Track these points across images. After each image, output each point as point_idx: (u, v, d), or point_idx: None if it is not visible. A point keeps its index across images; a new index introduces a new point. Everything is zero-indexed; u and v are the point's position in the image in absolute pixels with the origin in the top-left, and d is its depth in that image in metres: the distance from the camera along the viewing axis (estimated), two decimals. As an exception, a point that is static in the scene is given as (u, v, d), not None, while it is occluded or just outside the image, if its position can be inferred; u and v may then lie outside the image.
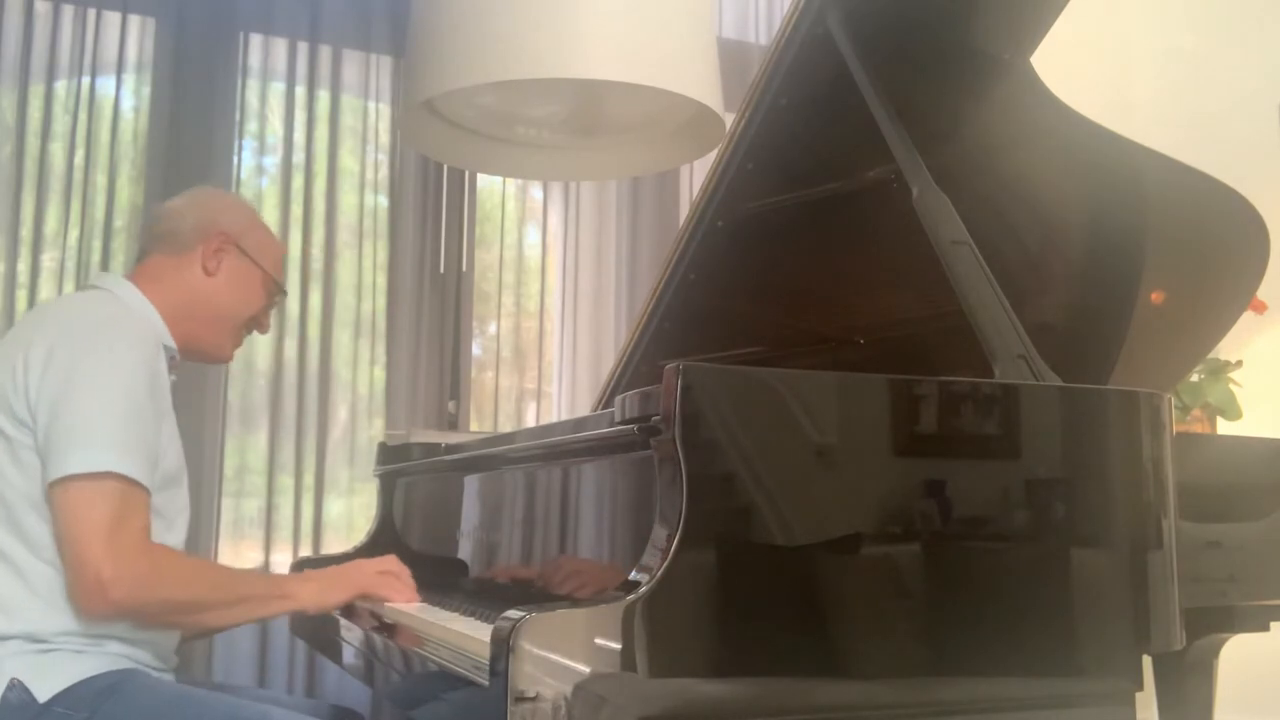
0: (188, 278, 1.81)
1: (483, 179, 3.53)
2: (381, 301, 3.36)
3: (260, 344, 3.23)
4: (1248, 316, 2.35)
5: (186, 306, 1.79)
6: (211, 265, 1.82)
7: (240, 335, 1.90)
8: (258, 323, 1.91)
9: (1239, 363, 3.32)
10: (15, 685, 1.48)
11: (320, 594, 1.70)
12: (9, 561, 1.56)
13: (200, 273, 1.81)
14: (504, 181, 3.59)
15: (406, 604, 1.73)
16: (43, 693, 1.49)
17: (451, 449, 2.18)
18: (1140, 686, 1.46)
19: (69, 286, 3.00)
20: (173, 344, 1.77)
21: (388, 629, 1.67)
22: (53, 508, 1.53)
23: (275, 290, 1.92)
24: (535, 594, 1.66)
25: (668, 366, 1.29)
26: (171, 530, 1.68)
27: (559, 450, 1.69)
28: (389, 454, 2.38)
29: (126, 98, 3.20)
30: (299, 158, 3.31)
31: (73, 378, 1.56)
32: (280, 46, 3.33)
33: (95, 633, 1.55)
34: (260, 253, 1.88)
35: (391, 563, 1.81)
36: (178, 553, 1.72)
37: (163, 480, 1.63)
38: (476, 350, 3.57)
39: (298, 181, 3.30)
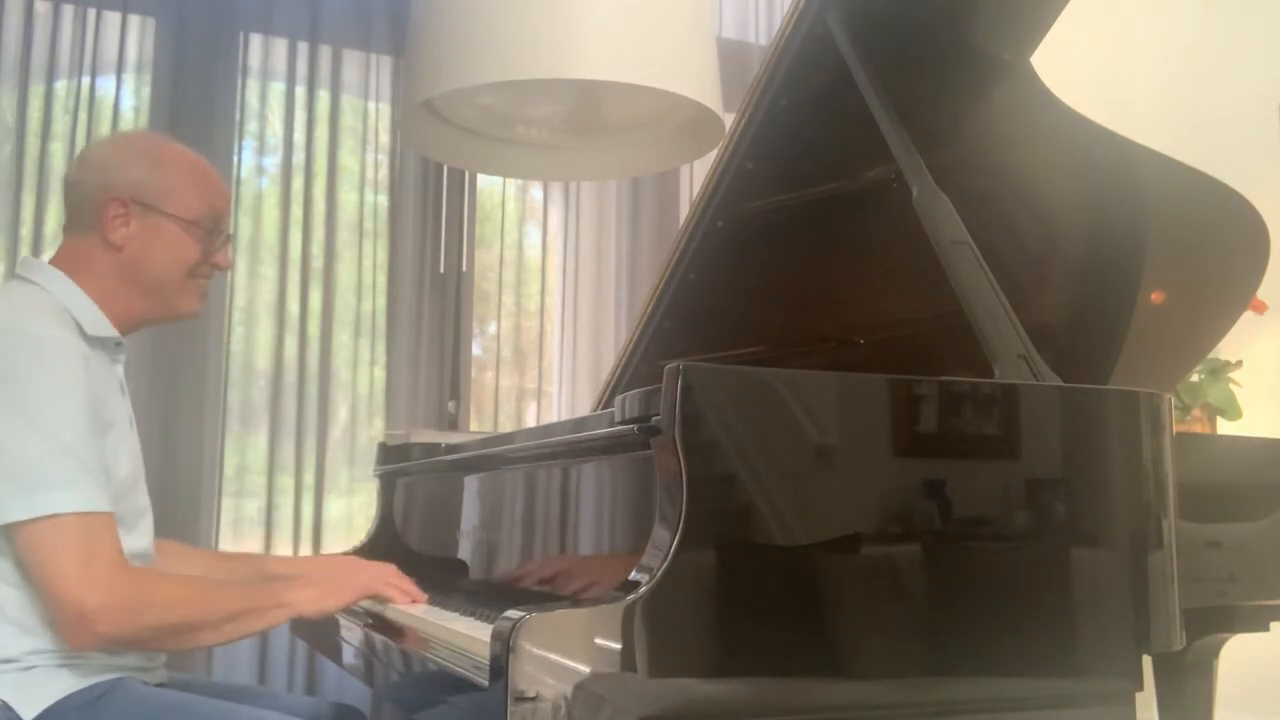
0: (100, 256, 1.63)
1: (483, 179, 3.53)
2: (381, 301, 3.36)
3: (260, 344, 3.24)
4: (1248, 316, 2.35)
5: (114, 284, 1.64)
6: (116, 237, 1.63)
7: (192, 287, 1.70)
8: (213, 266, 1.72)
9: (1239, 363, 3.32)
10: None
11: (319, 600, 1.63)
12: None
13: (109, 249, 1.63)
14: (504, 181, 3.60)
15: (408, 605, 1.71)
16: (28, 711, 1.45)
17: (451, 449, 2.18)
18: (1140, 686, 1.46)
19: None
20: (113, 332, 1.63)
21: (387, 629, 1.67)
22: (13, 546, 1.46)
23: (204, 234, 1.68)
24: (535, 594, 1.66)
25: (668, 366, 1.29)
26: (133, 533, 1.61)
27: (559, 450, 1.69)
28: (389, 454, 2.38)
29: (126, 98, 3.20)
30: (299, 158, 3.31)
31: (7, 412, 1.46)
32: (280, 46, 3.34)
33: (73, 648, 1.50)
34: (170, 200, 1.65)
35: (390, 572, 1.75)
36: (163, 574, 1.64)
37: (117, 489, 1.55)
38: (476, 350, 3.57)
39: (298, 181, 3.30)
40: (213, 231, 1.70)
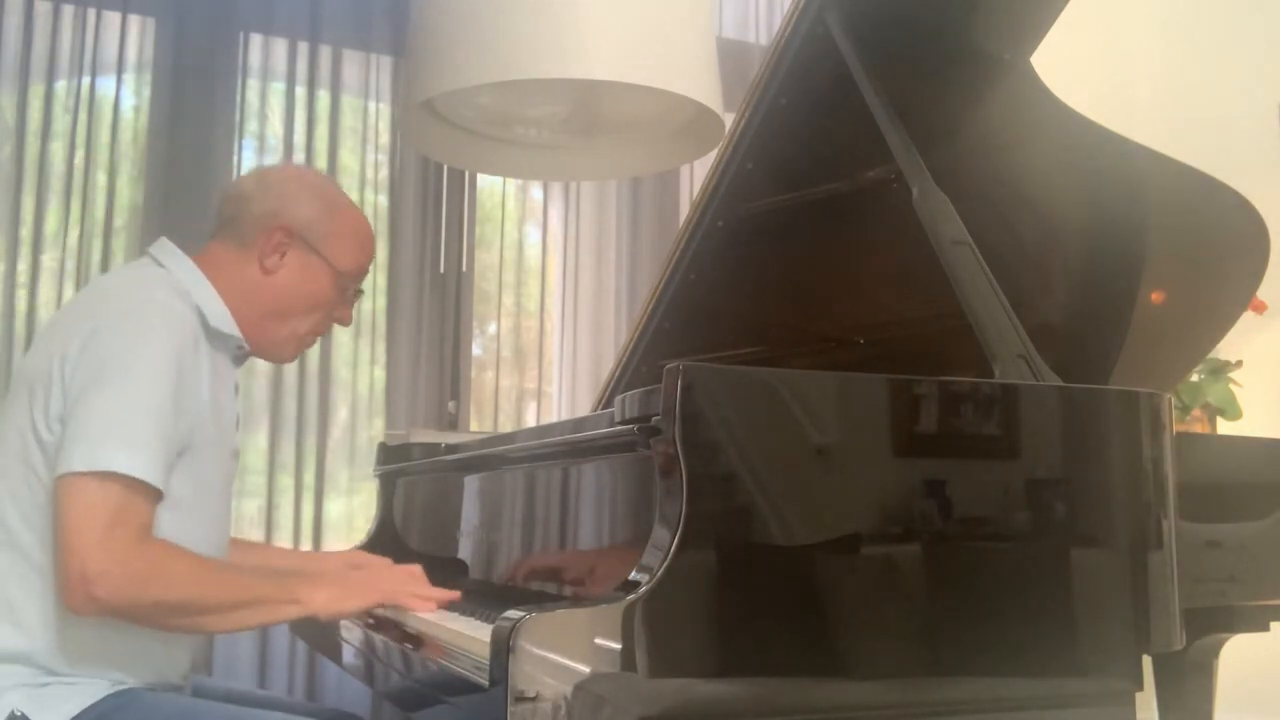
0: (242, 271, 1.67)
1: (483, 179, 3.54)
2: (381, 301, 3.37)
3: (260, 344, 3.24)
4: (1248, 316, 2.35)
5: (241, 300, 1.66)
6: (270, 263, 1.67)
7: (304, 340, 1.76)
8: (333, 319, 1.77)
9: (1239, 363, 3.32)
10: (18, 717, 1.44)
11: (335, 601, 1.59)
12: (44, 577, 1.48)
13: (258, 270, 1.67)
14: (504, 181, 3.60)
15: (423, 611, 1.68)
16: None
17: (451, 449, 2.18)
18: (1140, 686, 1.46)
19: (69, 287, 3.01)
20: (236, 332, 1.65)
21: (387, 629, 1.67)
22: (54, 502, 1.45)
23: (343, 289, 1.74)
24: (535, 594, 1.66)
25: (668, 366, 1.29)
26: (208, 534, 1.62)
27: (559, 450, 1.69)
28: (389, 454, 2.38)
29: (126, 98, 3.20)
30: (299, 158, 3.31)
31: (97, 374, 1.47)
32: (280, 46, 3.34)
33: (93, 663, 1.50)
34: (332, 247, 1.70)
35: (414, 579, 1.70)
36: (180, 551, 1.55)
37: (202, 490, 1.57)
38: (476, 350, 3.57)
39: (298, 181, 3.30)
40: (350, 288, 1.75)
